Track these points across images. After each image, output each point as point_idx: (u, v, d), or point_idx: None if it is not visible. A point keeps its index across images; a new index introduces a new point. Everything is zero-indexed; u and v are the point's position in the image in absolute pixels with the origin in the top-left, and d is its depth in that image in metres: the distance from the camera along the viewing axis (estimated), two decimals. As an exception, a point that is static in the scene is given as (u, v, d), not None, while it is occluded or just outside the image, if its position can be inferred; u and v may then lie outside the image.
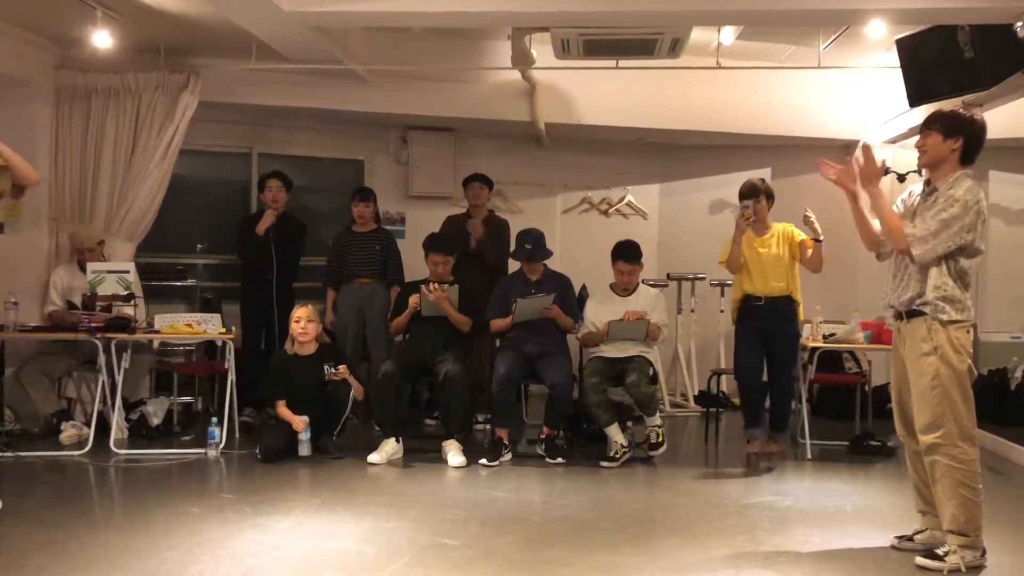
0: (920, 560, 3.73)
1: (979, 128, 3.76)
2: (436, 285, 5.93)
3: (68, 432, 6.00)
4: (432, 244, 6.21)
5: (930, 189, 3.82)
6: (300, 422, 5.65)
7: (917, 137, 3.88)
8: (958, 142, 3.73)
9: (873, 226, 3.98)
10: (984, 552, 3.73)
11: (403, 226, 8.30)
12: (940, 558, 3.68)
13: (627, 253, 6.03)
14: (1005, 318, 7.75)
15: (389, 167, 8.48)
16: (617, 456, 5.64)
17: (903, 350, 3.85)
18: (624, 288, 6.04)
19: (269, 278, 6.71)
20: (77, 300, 6.20)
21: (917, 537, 3.97)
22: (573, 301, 6.16)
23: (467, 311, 6.05)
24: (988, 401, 6.50)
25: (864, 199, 3.92)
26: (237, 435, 6.06)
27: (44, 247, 6.67)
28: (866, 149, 3.89)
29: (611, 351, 5.88)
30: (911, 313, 3.79)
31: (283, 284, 6.82)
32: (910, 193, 3.97)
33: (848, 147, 8.36)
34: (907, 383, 3.84)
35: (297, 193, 8.28)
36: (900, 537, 4.01)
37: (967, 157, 3.76)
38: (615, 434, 5.70)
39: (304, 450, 5.62)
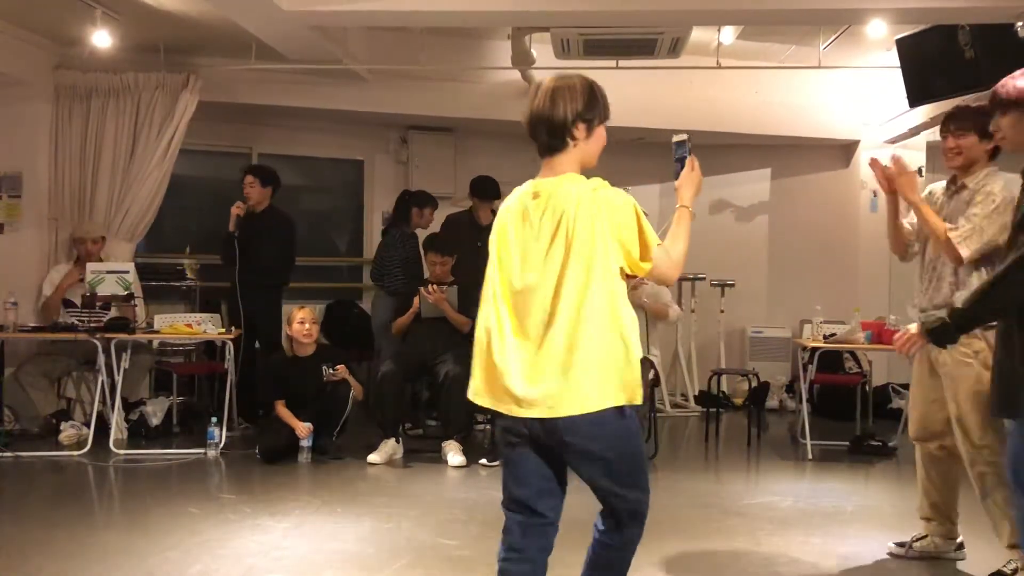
0: None
1: None
2: (435, 287, 5.92)
3: (67, 432, 5.99)
4: (431, 244, 6.21)
5: (958, 187, 3.66)
6: (304, 429, 5.63)
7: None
8: (993, 143, 3.51)
9: (904, 231, 3.83)
10: None
11: (403, 226, 8.30)
12: None
13: None
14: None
15: (389, 167, 8.47)
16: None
17: (935, 354, 3.66)
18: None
19: (234, 277, 6.38)
20: (74, 299, 6.19)
21: (916, 544, 3.88)
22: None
23: (467, 311, 6.05)
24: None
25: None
26: (236, 429, 6.05)
27: (44, 247, 6.66)
28: (898, 160, 3.70)
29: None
30: None
31: (250, 284, 6.36)
32: (931, 192, 3.81)
33: (848, 147, 8.38)
34: (931, 387, 3.71)
35: (297, 193, 8.28)
36: (899, 544, 3.93)
37: (995, 155, 3.61)
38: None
39: (304, 456, 5.61)
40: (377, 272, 6.96)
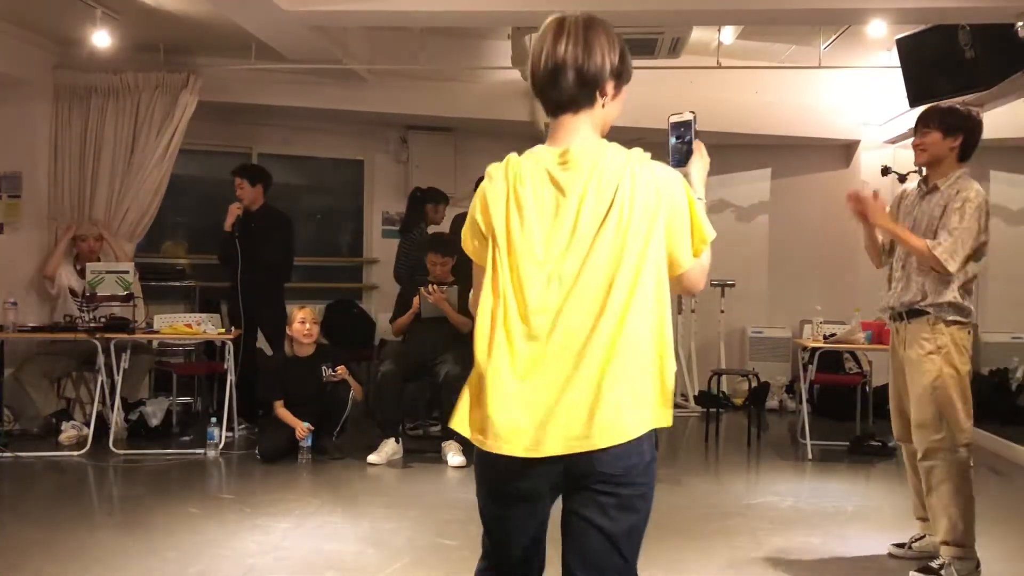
0: None
1: (977, 125, 3.70)
2: (435, 287, 5.92)
3: (67, 432, 5.99)
4: (431, 244, 6.20)
5: (929, 188, 3.73)
6: (303, 429, 5.64)
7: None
8: (957, 140, 3.65)
9: (879, 245, 3.90)
10: (979, 564, 3.59)
11: (403, 226, 8.30)
12: (936, 572, 3.57)
13: None
14: (1005, 318, 7.75)
15: (389, 167, 8.47)
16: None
17: (903, 351, 3.74)
18: None
19: (235, 277, 6.37)
20: (75, 288, 6.21)
21: (915, 545, 3.89)
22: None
23: (467, 312, 6.05)
24: (988, 401, 6.51)
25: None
26: (236, 434, 6.05)
27: (44, 247, 6.67)
28: (853, 194, 3.81)
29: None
30: (912, 313, 3.67)
31: (251, 283, 6.34)
32: (903, 192, 3.88)
33: (848, 147, 8.38)
34: (907, 386, 3.74)
35: (297, 193, 8.28)
36: (898, 545, 3.94)
37: (965, 154, 3.69)
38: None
39: (304, 456, 5.61)
40: (405, 272, 6.92)
